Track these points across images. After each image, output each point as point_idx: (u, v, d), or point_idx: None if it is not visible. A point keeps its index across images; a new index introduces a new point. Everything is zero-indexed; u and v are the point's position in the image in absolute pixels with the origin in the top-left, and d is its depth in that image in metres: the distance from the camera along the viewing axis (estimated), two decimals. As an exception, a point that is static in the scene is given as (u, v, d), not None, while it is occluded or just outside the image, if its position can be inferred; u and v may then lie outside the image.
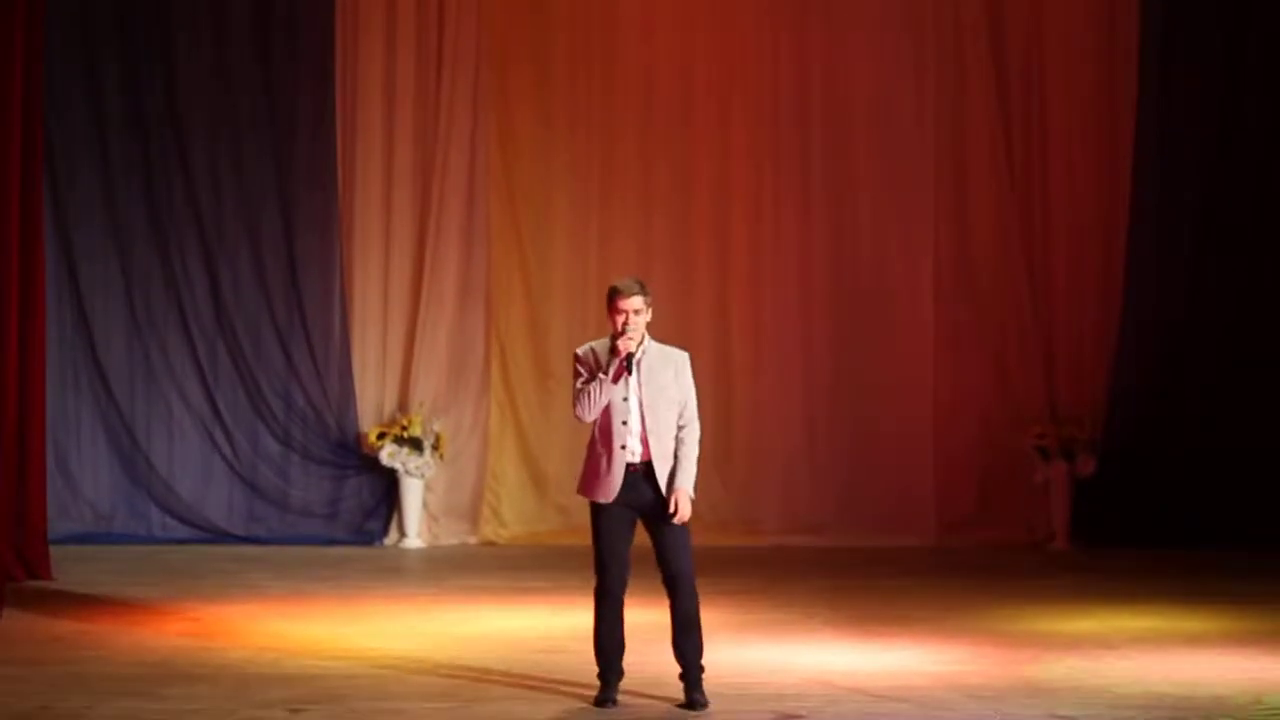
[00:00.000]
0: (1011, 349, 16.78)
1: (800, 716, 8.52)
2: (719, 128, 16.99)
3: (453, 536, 16.67)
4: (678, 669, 8.80)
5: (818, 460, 16.80)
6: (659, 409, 8.64)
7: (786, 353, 16.88)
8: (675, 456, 8.69)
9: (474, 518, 16.74)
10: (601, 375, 8.60)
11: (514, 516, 16.77)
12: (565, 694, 8.94)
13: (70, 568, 13.92)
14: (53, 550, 13.93)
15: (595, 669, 8.93)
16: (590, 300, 16.75)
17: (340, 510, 16.63)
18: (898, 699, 8.93)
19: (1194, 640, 10.89)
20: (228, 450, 16.59)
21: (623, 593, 8.74)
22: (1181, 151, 16.34)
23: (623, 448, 8.61)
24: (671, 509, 8.60)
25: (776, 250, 16.95)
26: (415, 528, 16.43)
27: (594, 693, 8.89)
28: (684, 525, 8.67)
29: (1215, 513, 15.82)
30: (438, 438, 16.39)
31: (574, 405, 8.71)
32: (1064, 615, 11.94)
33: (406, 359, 16.79)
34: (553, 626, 11.35)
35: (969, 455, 16.67)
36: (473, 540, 16.66)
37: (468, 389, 16.87)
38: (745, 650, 10.37)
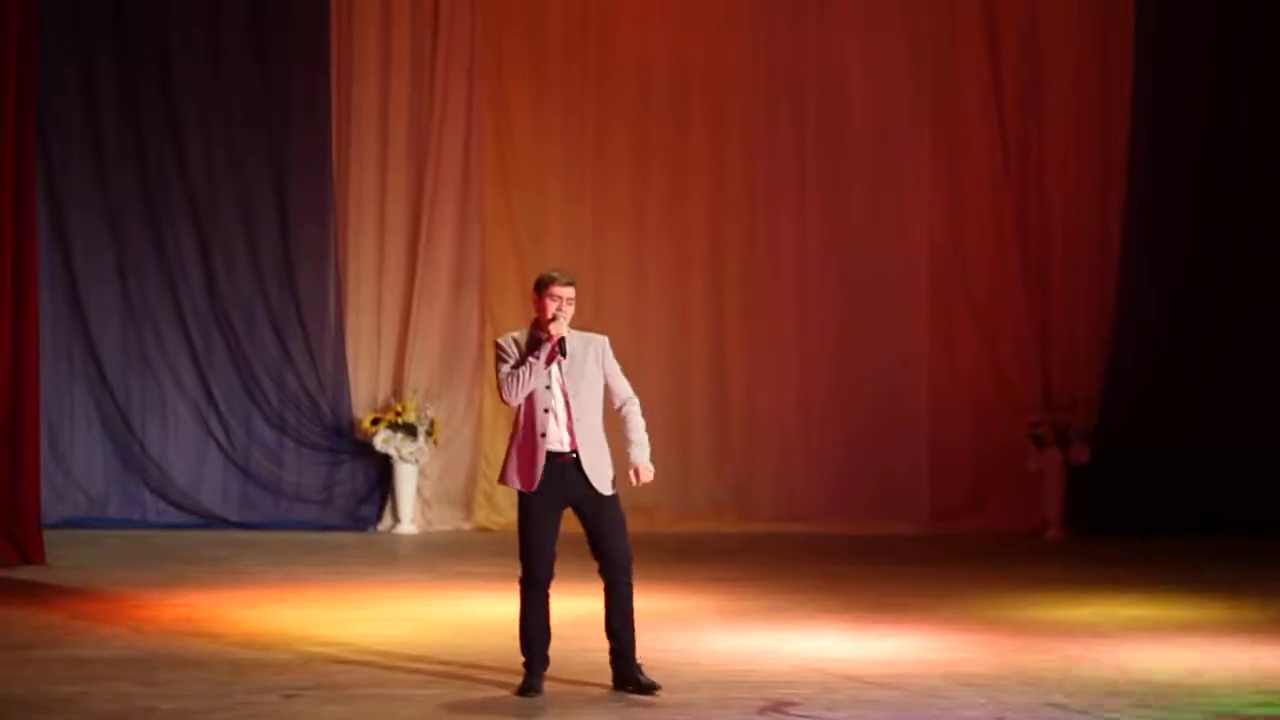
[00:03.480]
0: (1006, 338, 16.81)
1: (793, 704, 8.51)
2: (714, 116, 17.01)
3: (446, 522, 16.68)
4: (609, 654, 8.74)
5: (813, 448, 16.83)
6: (582, 395, 8.62)
7: (782, 341, 16.90)
8: (628, 438, 8.71)
9: (468, 504, 16.75)
10: (532, 359, 8.56)
11: (508, 503, 16.64)
12: (558, 680, 8.92)
13: (64, 553, 13.91)
14: (47, 535, 13.93)
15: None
16: (584, 287, 16.54)
17: (334, 496, 16.64)
18: (891, 686, 8.93)
19: (1187, 628, 10.90)
20: (222, 436, 16.59)
21: (549, 583, 8.69)
22: (1176, 143, 16.38)
23: (543, 436, 8.58)
24: (633, 480, 8.61)
25: (772, 238, 16.97)
26: (409, 513, 16.44)
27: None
28: (618, 508, 8.66)
29: (1208, 501, 15.87)
30: (432, 423, 16.40)
31: (500, 390, 8.68)
32: (1057, 603, 11.95)
33: (400, 345, 16.79)
34: (546, 613, 11.33)
35: (963, 443, 16.71)
36: (466, 526, 16.68)
37: (462, 375, 16.88)
38: (739, 637, 10.37)
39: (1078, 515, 16.28)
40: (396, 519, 16.48)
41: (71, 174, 16.38)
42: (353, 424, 16.63)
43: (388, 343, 16.88)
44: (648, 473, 8.72)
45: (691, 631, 10.54)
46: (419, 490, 16.57)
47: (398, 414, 16.34)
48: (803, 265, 16.96)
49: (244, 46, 16.61)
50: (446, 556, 14.78)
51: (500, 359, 8.68)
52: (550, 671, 8.78)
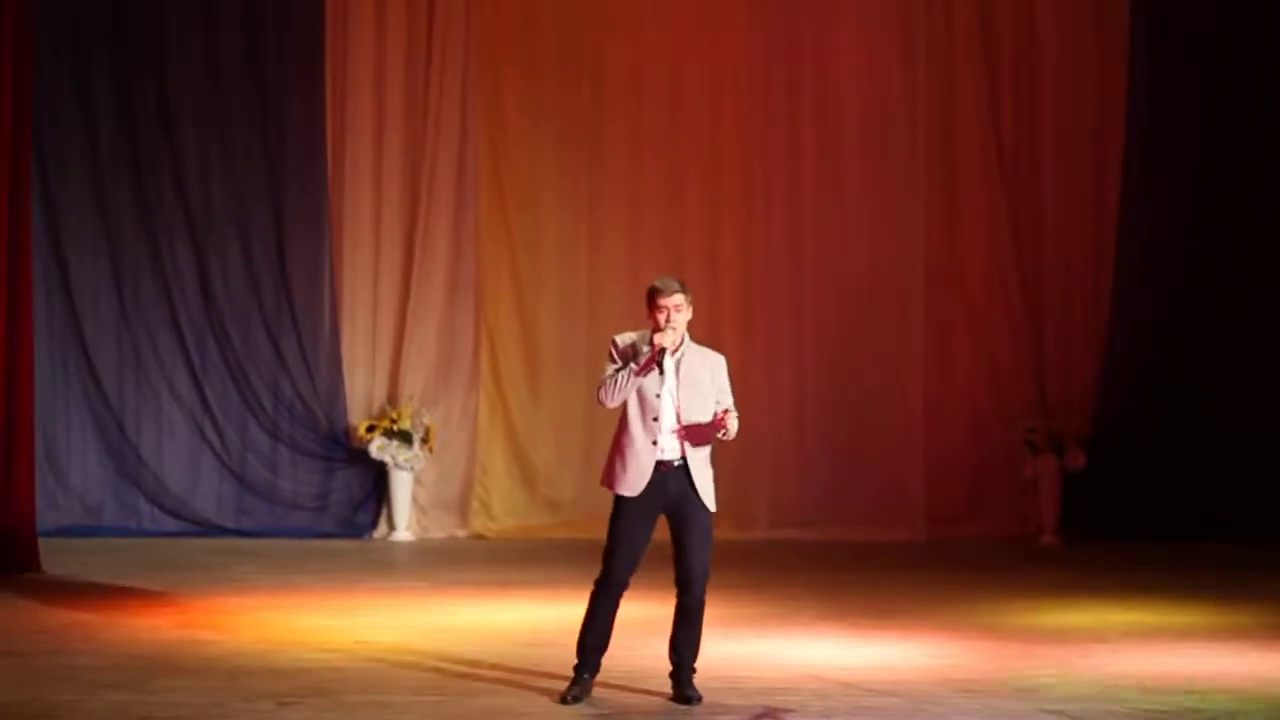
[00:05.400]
0: (1001, 344, 16.80)
1: (790, 710, 8.52)
2: (709, 124, 17.01)
3: (442, 530, 16.67)
4: (668, 665, 8.76)
5: (808, 455, 16.82)
6: (695, 408, 8.60)
7: (777, 349, 16.89)
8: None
9: (463, 511, 16.74)
10: (632, 365, 8.57)
11: (504, 510, 16.77)
12: (554, 688, 8.92)
13: (59, 560, 13.90)
14: (42, 543, 13.92)
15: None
16: (579, 294, 16.76)
17: (329, 503, 16.63)
18: (887, 693, 8.93)
19: (1183, 634, 10.91)
20: (217, 443, 16.58)
21: (624, 589, 8.67)
22: (1171, 147, 16.39)
23: (654, 443, 8.56)
24: (723, 415, 8.55)
25: (767, 247, 16.96)
26: (404, 521, 16.43)
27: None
28: (709, 523, 8.64)
29: (1204, 506, 15.86)
30: (427, 430, 16.39)
31: (599, 389, 8.67)
32: (1053, 609, 11.96)
33: (396, 352, 16.78)
34: (542, 620, 11.34)
35: (959, 449, 16.70)
36: (462, 533, 16.67)
37: (457, 382, 16.87)
38: (735, 644, 10.37)
39: (1073, 521, 16.27)
40: (392, 526, 16.47)
41: (67, 180, 16.36)
42: (348, 431, 16.62)
43: (383, 350, 16.86)
44: (733, 421, 8.58)
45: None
46: (414, 497, 16.56)
47: (393, 421, 16.33)
48: (798, 272, 16.94)
49: (239, 54, 16.60)
50: (442, 564, 14.78)
51: (610, 357, 8.67)
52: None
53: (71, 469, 16.41)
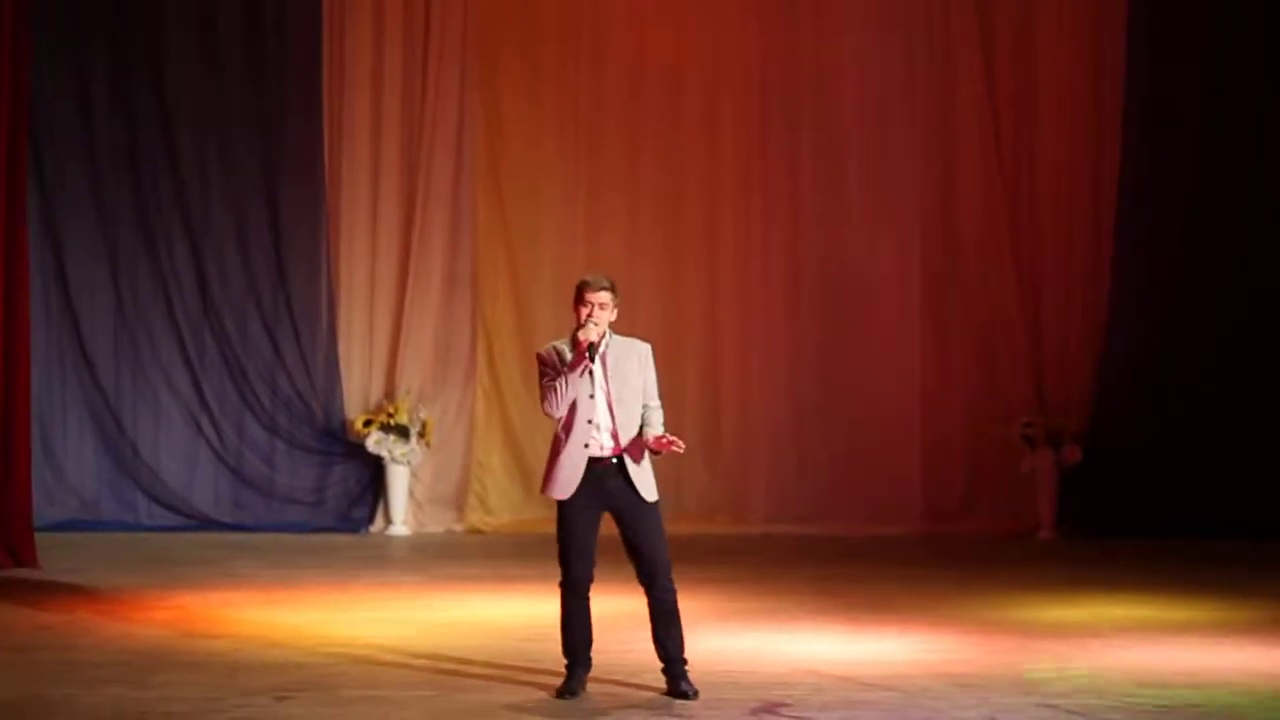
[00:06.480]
0: (999, 339, 16.81)
1: (787, 705, 8.52)
2: (708, 119, 17.01)
3: (439, 524, 16.68)
4: (659, 661, 8.76)
5: (806, 449, 16.82)
6: (626, 402, 8.60)
7: (774, 343, 16.89)
8: (646, 422, 8.66)
9: (460, 505, 16.75)
10: (565, 369, 8.55)
11: (500, 504, 16.78)
12: (550, 683, 8.92)
13: (57, 555, 13.90)
14: (39, 538, 13.92)
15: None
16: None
17: (326, 497, 16.63)
18: (884, 688, 8.94)
19: (1180, 629, 10.91)
20: (214, 438, 16.59)
21: (589, 586, 8.68)
22: (1169, 144, 16.40)
23: (585, 446, 8.54)
24: (665, 441, 8.53)
25: (765, 241, 16.96)
26: (401, 515, 16.44)
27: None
28: (658, 513, 8.64)
29: (1201, 502, 15.87)
30: (424, 425, 16.39)
31: (542, 402, 8.63)
32: (1050, 604, 11.96)
33: (393, 347, 16.79)
34: (538, 615, 11.31)
35: (956, 445, 16.71)
36: (459, 528, 16.68)
37: (454, 377, 16.87)
38: (732, 638, 10.37)
39: (1070, 516, 16.28)
40: (389, 521, 16.47)
41: (64, 178, 16.36)
42: (345, 425, 16.63)
43: (380, 344, 16.87)
44: (677, 442, 8.58)
45: (684, 633, 10.52)
46: (411, 492, 16.57)
47: (390, 415, 16.33)
48: (795, 267, 16.95)
49: (236, 53, 16.59)
50: (439, 558, 14.79)
51: (541, 371, 8.63)
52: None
53: (68, 464, 16.42)
